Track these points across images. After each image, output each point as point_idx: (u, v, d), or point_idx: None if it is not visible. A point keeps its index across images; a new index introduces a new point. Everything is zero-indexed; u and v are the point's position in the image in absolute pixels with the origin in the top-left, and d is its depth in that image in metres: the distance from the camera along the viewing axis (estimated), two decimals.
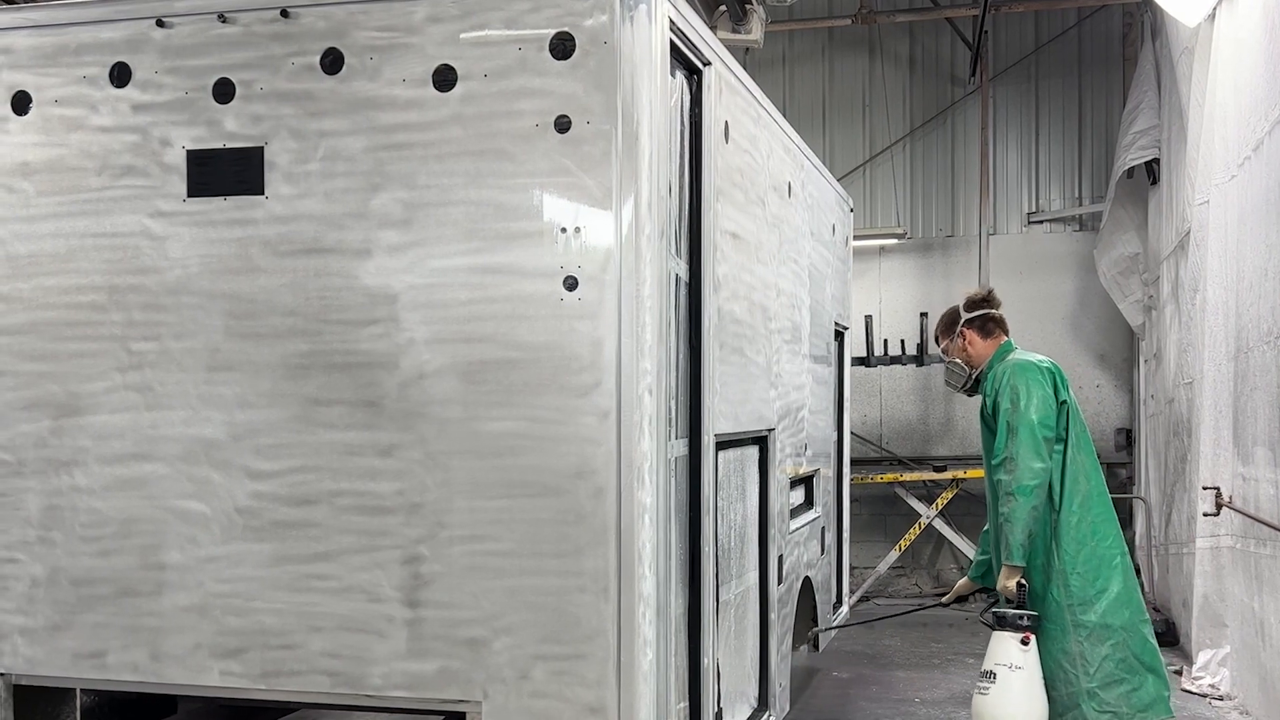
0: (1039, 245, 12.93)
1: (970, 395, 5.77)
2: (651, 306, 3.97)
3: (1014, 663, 5.02)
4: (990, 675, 5.08)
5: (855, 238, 9.84)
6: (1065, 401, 5.28)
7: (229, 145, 4.27)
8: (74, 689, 4.60)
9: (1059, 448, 5.23)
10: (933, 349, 12.51)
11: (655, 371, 3.98)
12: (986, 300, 5.71)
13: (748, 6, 10.22)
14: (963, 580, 5.93)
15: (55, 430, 4.40)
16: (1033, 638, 5.08)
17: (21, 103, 4.46)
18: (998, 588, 5.22)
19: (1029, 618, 5.08)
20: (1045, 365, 5.32)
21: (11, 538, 4.43)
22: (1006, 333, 5.66)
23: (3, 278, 4.46)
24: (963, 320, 5.68)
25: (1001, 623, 5.11)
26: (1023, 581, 5.15)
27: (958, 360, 5.70)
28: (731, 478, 5.14)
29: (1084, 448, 5.30)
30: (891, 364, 12.45)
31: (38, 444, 4.41)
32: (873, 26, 13.06)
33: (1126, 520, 12.37)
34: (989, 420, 5.39)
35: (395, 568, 4.09)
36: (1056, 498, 5.21)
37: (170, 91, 4.32)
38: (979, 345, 5.63)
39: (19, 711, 4.47)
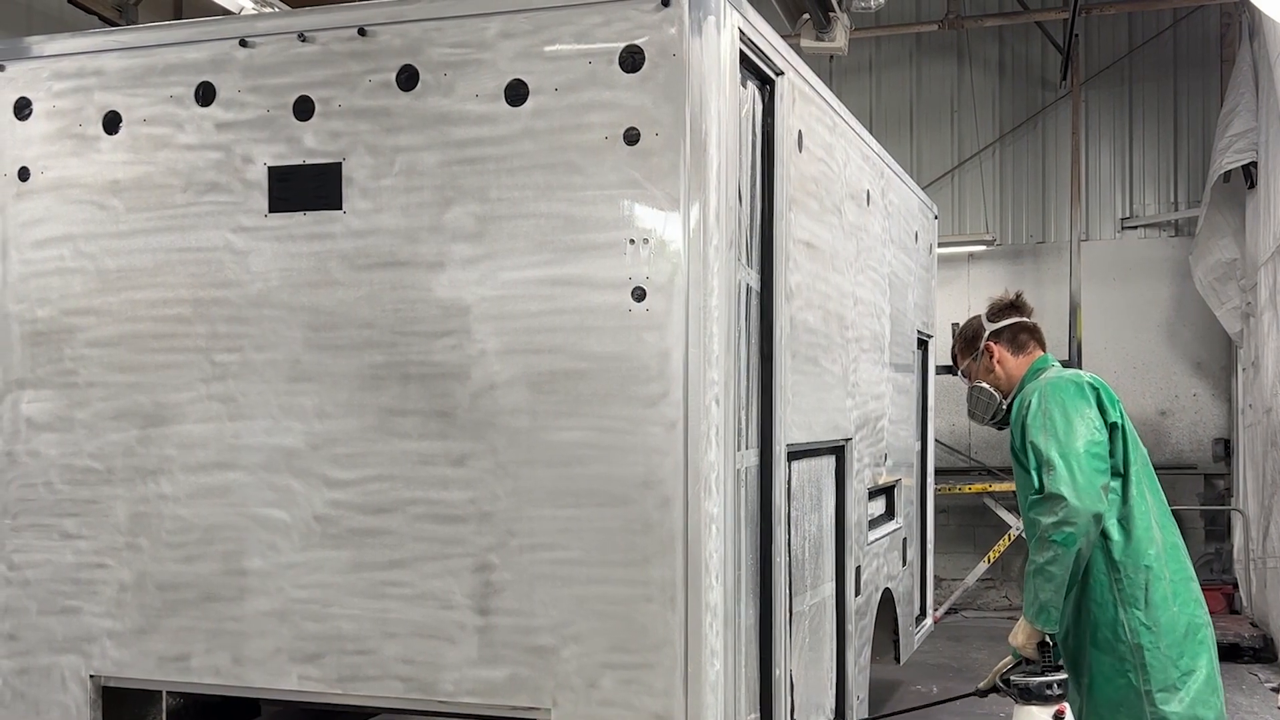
0: (1133, 251, 12.67)
1: (1001, 429, 4.54)
2: (719, 316, 3.98)
3: None
4: None
5: (943, 244, 9.75)
6: (1117, 424, 4.09)
7: (308, 161, 4.37)
8: (160, 691, 4.74)
9: (1116, 485, 4.04)
10: None
11: (723, 382, 3.99)
12: (1014, 306, 4.53)
13: (831, 14, 10.17)
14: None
15: (143, 439, 4.54)
16: (1067, 709, 4.04)
17: (112, 122, 4.61)
18: (1015, 646, 4.11)
19: (1059, 684, 4.02)
20: (1086, 380, 4.15)
21: (101, 543, 4.58)
22: (1043, 346, 4.50)
23: (94, 292, 4.61)
24: (987, 333, 4.49)
25: (1027, 695, 4.03)
26: (1046, 640, 4.05)
27: (984, 385, 4.49)
28: (806, 488, 5.12)
29: (1149, 484, 4.12)
30: None
31: (126, 453, 4.55)
32: (960, 31, 12.92)
33: (1224, 533, 12.07)
34: (1020, 456, 4.15)
35: (467, 575, 4.15)
36: (1120, 552, 4.01)
37: (252, 110, 4.44)
38: (1010, 363, 4.44)
39: (108, 712, 4.61)
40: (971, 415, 4.59)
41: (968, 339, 4.58)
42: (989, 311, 4.56)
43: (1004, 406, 4.46)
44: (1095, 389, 4.11)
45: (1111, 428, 4.07)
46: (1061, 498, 3.87)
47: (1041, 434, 3.99)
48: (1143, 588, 3.98)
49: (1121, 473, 4.06)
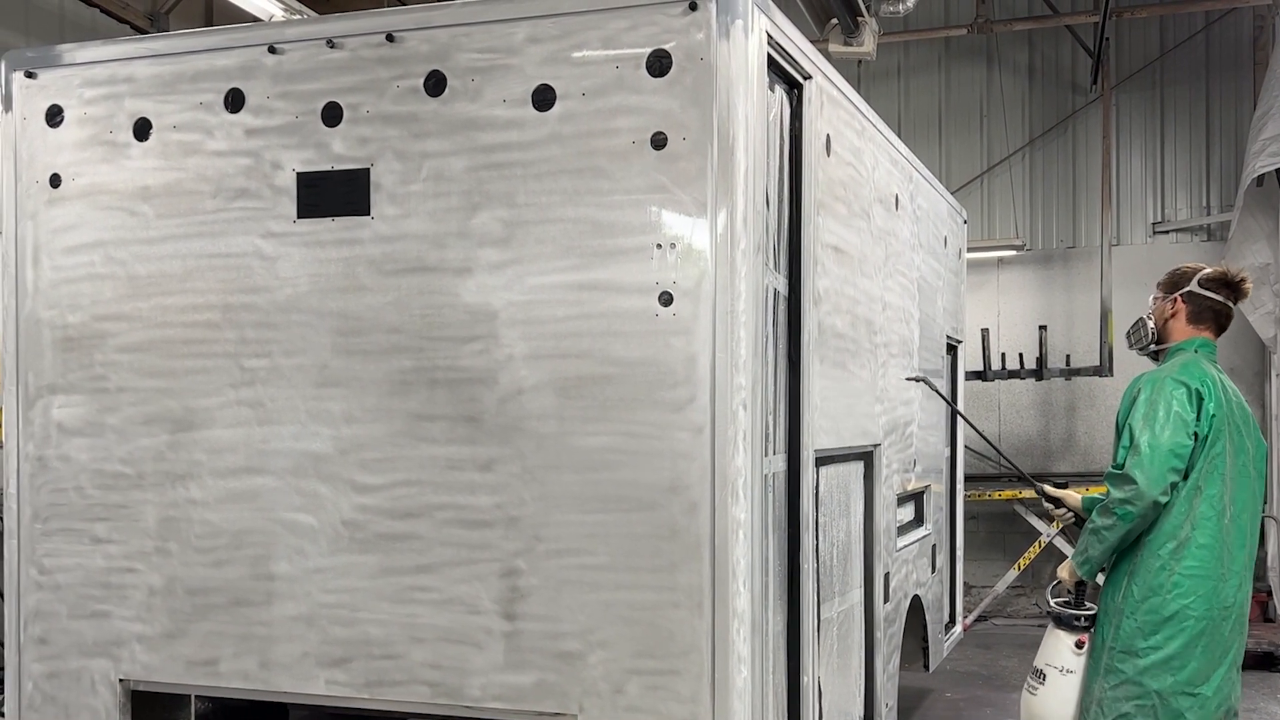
0: (1165, 256, 12.53)
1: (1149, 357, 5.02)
2: (747, 321, 3.96)
3: (1066, 666, 4.71)
4: (1040, 675, 4.79)
5: (972, 249, 9.69)
6: (1197, 434, 4.53)
7: (337, 167, 4.39)
8: (189, 695, 4.76)
9: (1181, 484, 4.53)
10: (1053, 363, 12.32)
11: (750, 387, 3.97)
12: (1228, 285, 4.82)
13: (859, 19, 10.14)
14: (1075, 497, 4.99)
15: (172, 444, 4.56)
16: (1089, 640, 4.72)
17: (143, 129, 4.63)
18: (1060, 577, 4.85)
19: (1087, 619, 4.72)
20: (1196, 386, 4.55)
21: (130, 548, 4.60)
22: (1218, 331, 4.84)
23: (124, 297, 4.64)
24: (1185, 290, 4.82)
25: (1058, 621, 4.80)
26: (1083, 580, 4.74)
27: (1150, 320, 4.91)
28: (834, 494, 5.09)
29: (1209, 492, 4.54)
30: (1010, 378, 12.20)
31: (156, 458, 4.58)
32: (990, 35, 12.85)
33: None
34: (1120, 425, 4.71)
35: (494, 580, 4.14)
36: (1150, 534, 4.57)
37: (281, 116, 4.46)
38: (1178, 326, 4.83)
39: (137, 716, 4.63)
40: (1128, 335, 5.09)
41: (1174, 280, 4.91)
42: (1206, 276, 4.84)
43: (1150, 348, 4.93)
44: (1202, 399, 4.55)
45: (1195, 436, 4.53)
46: (1134, 481, 4.46)
47: (1141, 421, 4.52)
48: (1149, 571, 4.55)
49: (1186, 476, 4.54)
